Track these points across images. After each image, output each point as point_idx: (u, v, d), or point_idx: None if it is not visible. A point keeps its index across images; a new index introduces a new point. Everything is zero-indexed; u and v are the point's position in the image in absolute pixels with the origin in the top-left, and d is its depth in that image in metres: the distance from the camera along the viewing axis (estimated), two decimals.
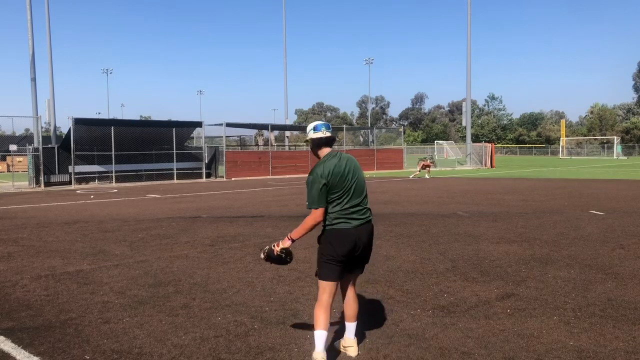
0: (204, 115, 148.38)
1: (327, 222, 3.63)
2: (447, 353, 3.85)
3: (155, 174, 26.90)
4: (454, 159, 50.11)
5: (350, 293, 3.85)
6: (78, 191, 20.85)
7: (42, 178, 23.22)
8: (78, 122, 24.13)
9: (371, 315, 4.72)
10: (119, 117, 78.00)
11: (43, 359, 3.84)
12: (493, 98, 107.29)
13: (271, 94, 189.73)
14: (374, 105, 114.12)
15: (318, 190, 3.55)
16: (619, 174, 28.68)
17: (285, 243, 3.70)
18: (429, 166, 28.70)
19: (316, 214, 3.60)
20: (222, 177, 29.10)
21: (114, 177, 25.20)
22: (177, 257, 7.38)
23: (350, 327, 3.86)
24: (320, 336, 3.55)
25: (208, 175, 28.87)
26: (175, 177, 27.28)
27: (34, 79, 25.98)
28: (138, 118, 78.63)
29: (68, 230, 10.10)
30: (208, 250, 7.86)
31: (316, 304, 3.65)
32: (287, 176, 30.57)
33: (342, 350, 3.88)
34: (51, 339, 4.24)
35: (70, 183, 23.91)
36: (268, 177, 30.15)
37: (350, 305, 3.85)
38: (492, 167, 39.23)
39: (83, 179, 24.59)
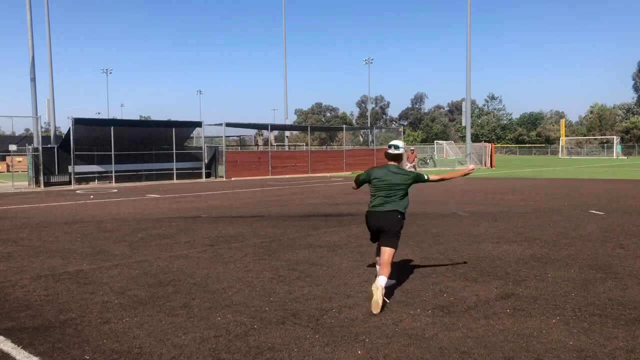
0: (203, 115, 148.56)
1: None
2: (447, 353, 3.85)
3: (155, 174, 26.90)
4: (454, 159, 50.15)
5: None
6: (78, 191, 20.85)
7: (41, 178, 23.21)
8: (78, 122, 24.13)
9: (371, 315, 4.72)
10: (119, 117, 77.95)
11: (43, 359, 3.84)
12: (493, 98, 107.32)
13: (271, 94, 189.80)
14: (373, 105, 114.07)
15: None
16: (618, 173, 28.68)
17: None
18: (413, 161, 27.88)
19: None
20: (222, 177, 29.10)
21: (113, 177, 25.20)
22: (177, 257, 7.38)
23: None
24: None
25: (208, 175, 28.86)
26: (175, 177, 27.28)
27: (33, 79, 25.96)
28: (138, 118, 78.62)
29: (68, 230, 10.10)
30: (208, 250, 7.86)
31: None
32: (287, 176, 30.57)
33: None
34: (51, 339, 4.24)
35: (70, 183, 23.90)
36: (268, 177, 30.15)
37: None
38: (492, 167, 39.23)
39: (83, 179, 24.58)
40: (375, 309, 4.74)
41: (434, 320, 4.57)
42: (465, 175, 6.08)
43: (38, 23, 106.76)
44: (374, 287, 4.87)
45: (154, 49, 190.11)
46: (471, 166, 6.22)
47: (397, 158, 5.50)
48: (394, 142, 5.57)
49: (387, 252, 5.31)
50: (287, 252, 7.60)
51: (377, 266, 5.72)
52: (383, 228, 5.39)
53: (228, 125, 30.51)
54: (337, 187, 21.08)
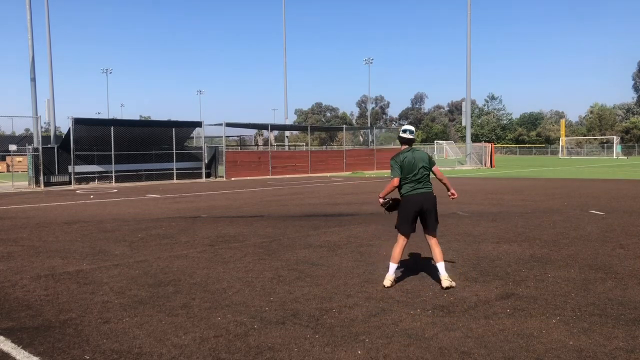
0: (204, 115, 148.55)
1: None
2: (447, 353, 3.85)
3: (155, 174, 26.91)
4: (454, 159, 50.18)
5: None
6: (78, 191, 20.85)
7: (41, 178, 23.21)
8: (78, 122, 24.13)
9: (371, 315, 4.72)
10: (119, 117, 77.91)
11: (43, 359, 3.84)
12: (493, 98, 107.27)
13: (271, 94, 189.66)
14: (373, 105, 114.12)
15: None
16: (618, 173, 28.68)
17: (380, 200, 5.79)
18: None
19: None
20: (222, 177, 29.10)
21: (113, 177, 25.21)
22: (177, 257, 7.38)
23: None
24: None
25: (208, 175, 28.87)
26: (175, 177, 27.28)
27: (33, 79, 25.98)
28: (138, 118, 78.61)
29: (68, 230, 10.10)
30: (208, 250, 7.86)
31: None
32: (287, 176, 30.56)
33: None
34: (51, 339, 4.24)
35: (70, 183, 23.91)
36: (268, 177, 30.15)
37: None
38: (492, 166, 39.24)
39: (83, 179, 24.58)
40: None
41: (434, 320, 4.57)
42: (448, 189, 6.02)
43: (38, 23, 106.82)
44: (447, 280, 5.45)
45: (154, 48, 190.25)
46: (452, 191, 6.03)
47: (412, 142, 5.82)
48: (407, 127, 5.90)
49: (435, 235, 5.73)
50: (287, 252, 7.61)
51: (391, 263, 5.70)
52: (430, 209, 5.67)
53: (228, 125, 30.52)
54: (337, 187, 21.08)
